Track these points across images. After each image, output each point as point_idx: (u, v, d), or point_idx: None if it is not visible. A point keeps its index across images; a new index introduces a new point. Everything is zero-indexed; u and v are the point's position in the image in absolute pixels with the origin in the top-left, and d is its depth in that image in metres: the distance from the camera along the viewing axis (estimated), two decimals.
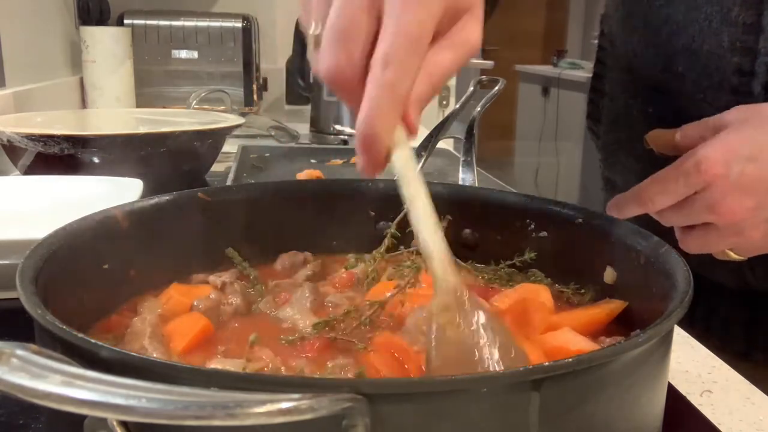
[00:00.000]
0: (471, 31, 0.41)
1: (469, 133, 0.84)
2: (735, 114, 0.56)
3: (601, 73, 0.89)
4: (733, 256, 0.57)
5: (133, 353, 0.32)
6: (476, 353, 0.37)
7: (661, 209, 0.56)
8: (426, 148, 0.85)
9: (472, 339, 0.38)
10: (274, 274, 0.60)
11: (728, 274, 0.75)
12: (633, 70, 0.79)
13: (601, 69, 0.89)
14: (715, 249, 0.57)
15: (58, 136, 0.93)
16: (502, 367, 0.37)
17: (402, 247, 0.57)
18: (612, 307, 0.52)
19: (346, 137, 1.60)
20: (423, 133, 0.90)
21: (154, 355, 0.44)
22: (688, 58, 0.70)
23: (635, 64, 0.78)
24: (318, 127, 1.67)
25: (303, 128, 1.63)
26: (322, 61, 0.39)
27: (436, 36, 0.39)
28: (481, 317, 0.38)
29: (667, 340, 0.39)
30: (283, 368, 0.43)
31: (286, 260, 0.62)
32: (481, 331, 0.38)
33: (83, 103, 1.73)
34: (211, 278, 0.56)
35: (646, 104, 0.77)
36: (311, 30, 0.40)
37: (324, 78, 0.39)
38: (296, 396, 0.26)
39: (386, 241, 0.55)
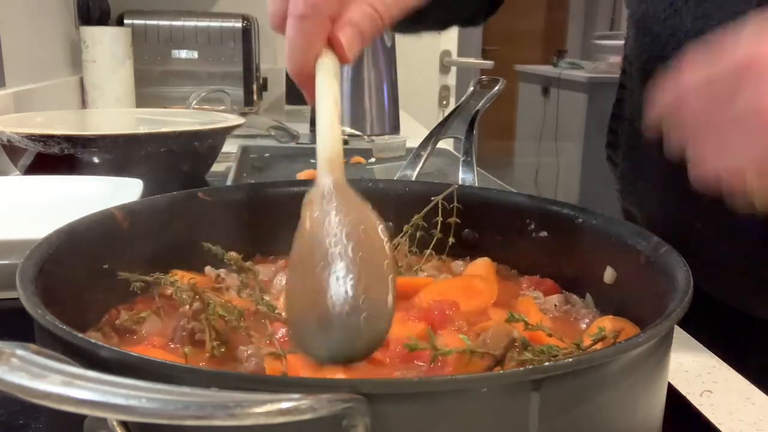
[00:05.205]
0: None
1: (469, 133, 0.84)
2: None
3: (622, 97, 0.86)
4: (757, 203, 0.46)
5: (133, 353, 0.32)
6: (326, 248, 0.38)
7: (695, 84, 0.48)
8: (426, 148, 0.85)
9: (323, 234, 0.39)
10: None
11: None
12: (647, 89, 0.77)
13: (622, 93, 0.86)
14: (736, 160, 0.46)
15: (58, 136, 0.93)
16: (350, 266, 0.37)
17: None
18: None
19: (346, 137, 1.60)
20: (423, 133, 0.90)
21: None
22: None
23: (648, 83, 0.76)
24: None
25: (303, 128, 1.63)
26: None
27: None
28: (346, 222, 0.39)
29: (667, 340, 0.39)
30: None
31: None
32: (338, 230, 0.39)
33: (83, 103, 1.73)
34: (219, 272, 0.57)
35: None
36: None
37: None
38: (296, 396, 0.26)
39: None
